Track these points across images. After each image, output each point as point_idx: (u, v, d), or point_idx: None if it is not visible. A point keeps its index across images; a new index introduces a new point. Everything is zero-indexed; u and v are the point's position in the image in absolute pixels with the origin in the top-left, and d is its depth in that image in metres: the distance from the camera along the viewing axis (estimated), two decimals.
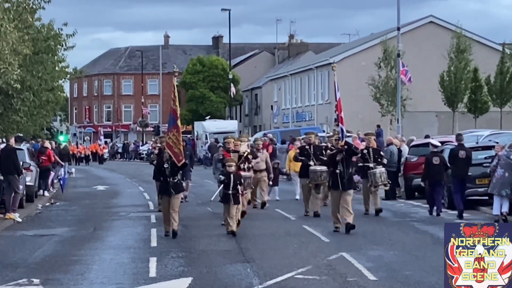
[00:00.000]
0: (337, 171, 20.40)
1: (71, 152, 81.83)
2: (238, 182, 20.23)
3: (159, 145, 28.14)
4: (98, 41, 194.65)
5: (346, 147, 20.56)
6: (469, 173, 26.51)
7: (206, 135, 73.41)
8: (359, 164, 25.13)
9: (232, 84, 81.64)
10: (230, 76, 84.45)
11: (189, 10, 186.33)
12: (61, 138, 72.72)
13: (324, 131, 56.49)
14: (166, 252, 18.35)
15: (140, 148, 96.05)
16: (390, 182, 26.69)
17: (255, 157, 26.01)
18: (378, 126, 52.51)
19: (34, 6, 31.19)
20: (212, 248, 19.14)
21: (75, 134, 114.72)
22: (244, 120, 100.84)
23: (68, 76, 44.74)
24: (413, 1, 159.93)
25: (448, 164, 25.78)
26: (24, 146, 33.34)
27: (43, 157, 35.74)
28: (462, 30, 61.81)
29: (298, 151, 26.97)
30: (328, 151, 22.54)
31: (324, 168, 23.84)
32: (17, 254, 18.94)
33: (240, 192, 20.20)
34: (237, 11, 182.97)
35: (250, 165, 23.83)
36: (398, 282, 14.38)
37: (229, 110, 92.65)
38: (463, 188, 25.78)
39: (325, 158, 23.46)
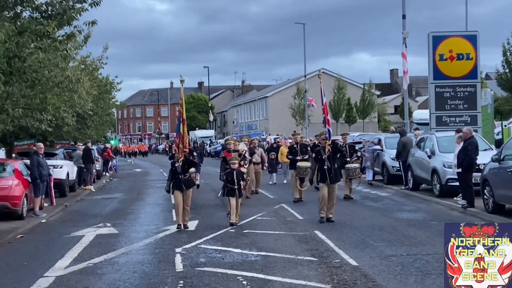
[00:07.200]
0: (325, 167, 14.34)
1: (125, 150, 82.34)
2: (240, 178, 14.65)
3: (169, 144, 26.72)
4: (129, 85, 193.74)
5: (332, 145, 14.57)
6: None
7: (196, 139, 73.12)
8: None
9: (210, 112, 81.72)
10: (210, 105, 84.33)
11: (182, 67, 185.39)
12: (112, 142, 71.80)
13: (263, 135, 56.69)
14: None
15: (158, 147, 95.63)
16: (361, 174, 20.26)
17: (252, 153, 20.86)
18: (295, 131, 52.61)
19: (97, 67, 30.97)
20: (206, 203, 19.02)
21: (120, 140, 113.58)
22: (218, 130, 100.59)
23: (117, 107, 44.34)
24: (312, 59, 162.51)
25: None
26: (94, 147, 32.99)
27: (105, 153, 35.44)
28: (340, 76, 62.62)
29: (288, 149, 20.47)
30: (318, 148, 15.10)
31: (308, 164, 18.29)
32: (95, 209, 18.84)
33: (242, 186, 14.68)
34: (211, 66, 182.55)
35: (246, 162, 17.38)
36: (315, 220, 14.46)
37: (209, 124, 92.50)
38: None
39: (311, 153, 18.11)
